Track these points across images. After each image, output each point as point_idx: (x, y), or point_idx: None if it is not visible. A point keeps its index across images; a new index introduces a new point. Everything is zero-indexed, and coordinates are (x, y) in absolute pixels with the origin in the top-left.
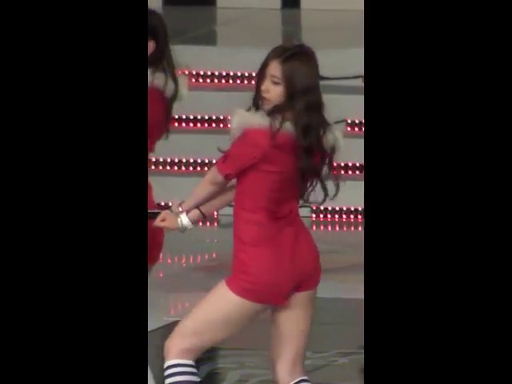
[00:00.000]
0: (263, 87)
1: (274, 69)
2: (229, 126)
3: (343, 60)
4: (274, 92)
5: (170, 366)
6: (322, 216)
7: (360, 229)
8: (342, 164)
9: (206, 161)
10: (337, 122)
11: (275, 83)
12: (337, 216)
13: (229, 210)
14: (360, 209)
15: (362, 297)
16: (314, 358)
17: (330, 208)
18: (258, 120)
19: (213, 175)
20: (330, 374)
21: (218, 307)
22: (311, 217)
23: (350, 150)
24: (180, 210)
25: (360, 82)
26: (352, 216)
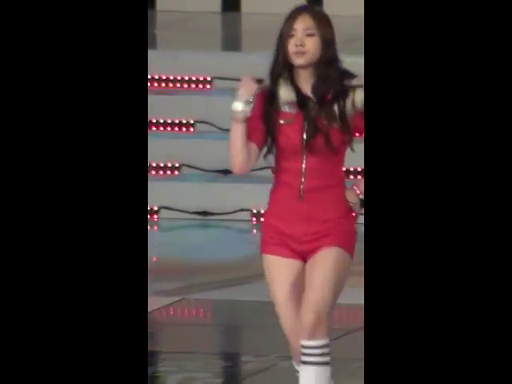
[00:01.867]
0: (298, 42)
1: (306, 22)
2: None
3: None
4: (310, 43)
5: (324, 346)
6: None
7: None
8: None
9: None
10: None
11: (310, 35)
12: None
13: (169, 214)
14: None
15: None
16: (255, 362)
17: None
18: None
19: None
20: (271, 378)
21: (341, 274)
22: (251, 220)
23: None
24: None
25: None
26: None
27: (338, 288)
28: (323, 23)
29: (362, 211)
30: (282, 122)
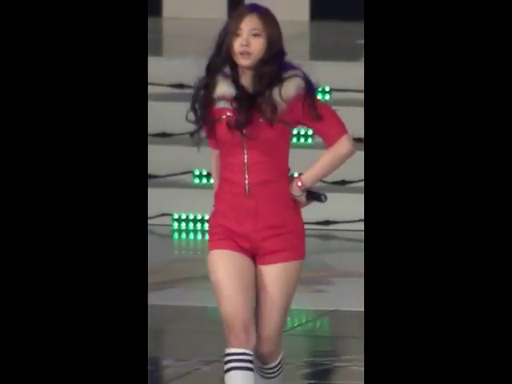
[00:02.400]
0: (244, 42)
1: (253, 22)
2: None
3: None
4: (256, 44)
5: (278, 364)
6: (192, 225)
7: None
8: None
9: None
10: None
11: (256, 35)
12: (199, 225)
13: None
14: None
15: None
16: (177, 366)
17: (199, 217)
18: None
19: (349, 142)
20: (193, 382)
21: (294, 287)
22: (172, 225)
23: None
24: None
25: None
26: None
27: (290, 302)
28: (270, 23)
29: (309, 204)
30: (219, 117)
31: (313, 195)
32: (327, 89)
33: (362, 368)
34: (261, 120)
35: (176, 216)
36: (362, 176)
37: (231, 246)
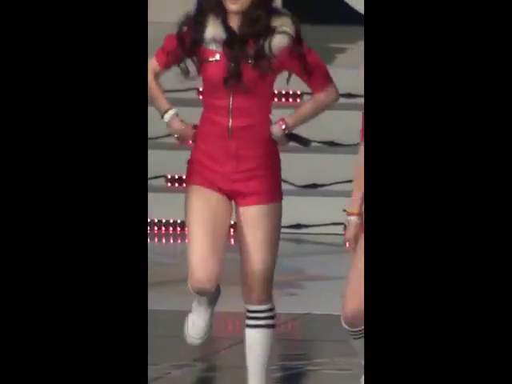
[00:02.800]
0: None
1: None
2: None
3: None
4: None
5: (270, 309)
6: (163, 229)
7: None
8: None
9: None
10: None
11: None
12: (178, 229)
13: None
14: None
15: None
16: (148, 371)
17: (171, 221)
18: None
19: (335, 91)
20: None
21: (277, 230)
22: (153, 230)
23: None
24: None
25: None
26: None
27: (276, 246)
28: None
29: (288, 145)
30: (208, 59)
31: (295, 137)
32: (298, 92)
33: (334, 371)
34: (246, 65)
35: (155, 220)
36: (333, 179)
37: (208, 185)
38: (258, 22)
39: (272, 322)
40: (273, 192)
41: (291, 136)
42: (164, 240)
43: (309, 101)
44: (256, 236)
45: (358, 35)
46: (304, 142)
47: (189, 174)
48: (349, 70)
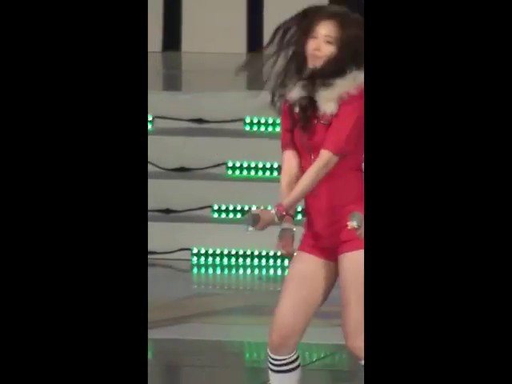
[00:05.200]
0: (314, 46)
1: (328, 29)
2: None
3: (223, 103)
4: (325, 51)
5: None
6: (203, 259)
7: (241, 271)
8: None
9: None
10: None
11: (328, 42)
12: (218, 259)
13: None
14: (242, 252)
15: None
16: None
17: (211, 251)
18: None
19: (328, 158)
20: None
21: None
22: (192, 259)
23: (239, 194)
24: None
25: (239, 126)
26: (233, 259)
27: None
28: (349, 36)
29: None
30: (319, 122)
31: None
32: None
33: None
34: (317, 124)
35: (195, 250)
36: None
37: (310, 249)
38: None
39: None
40: (356, 239)
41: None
42: (211, 270)
43: (301, 181)
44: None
45: None
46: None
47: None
48: None
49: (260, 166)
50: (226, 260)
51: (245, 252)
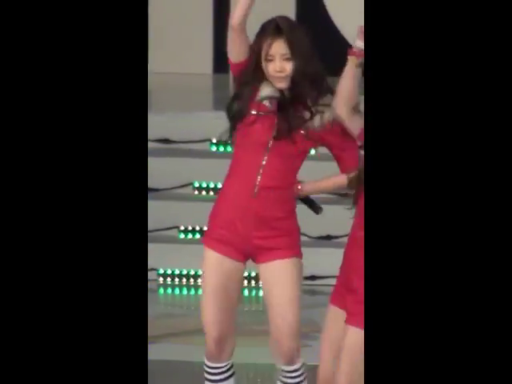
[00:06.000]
0: (278, 68)
1: (281, 47)
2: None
3: (190, 124)
4: (288, 69)
5: (301, 367)
6: (169, 279)
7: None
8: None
9: None
10: None
11: (287, 59)
12: (184, 279)
13: None
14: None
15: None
16: None
17: (177, 272)
18: None
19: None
20: None
21: (300, 285)
22: (158, 280)
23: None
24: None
25: (206, 146)
26: (200, 280)
27: (298, 299)
28: (300, 47)
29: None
30: (254, 112)
31: (309, 201)
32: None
33: None
34: (295, 131)
35: (161, 271)
36: (346, 231)
37: (223, 250)
38: (305, 98)
39: (302, 378)
40: (290, 248)
41: (305, 200)
42: (178, 291)
43: (335, 176)
44: (284, 294)
45: None
46: (316, 208)
47: (208, 231)
48: None
49: None
50: (192, 281)
51: None
